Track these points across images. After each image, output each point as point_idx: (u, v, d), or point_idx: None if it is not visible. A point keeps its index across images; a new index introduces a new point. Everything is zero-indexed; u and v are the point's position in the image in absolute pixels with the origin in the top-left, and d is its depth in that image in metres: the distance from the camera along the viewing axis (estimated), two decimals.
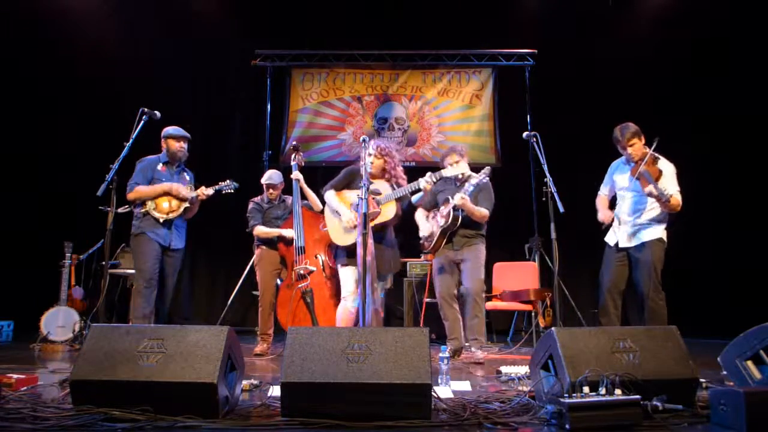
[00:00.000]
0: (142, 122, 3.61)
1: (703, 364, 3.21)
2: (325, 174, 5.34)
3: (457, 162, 4.07)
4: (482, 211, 4.08)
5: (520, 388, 2.93)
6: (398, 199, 3.69)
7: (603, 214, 4.06)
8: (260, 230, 4.61)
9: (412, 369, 2.14)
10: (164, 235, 4.06)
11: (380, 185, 3.73)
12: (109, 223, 3.41)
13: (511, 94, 7.12)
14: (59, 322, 5.07)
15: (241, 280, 5.87)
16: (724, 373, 2.59)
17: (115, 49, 6.47)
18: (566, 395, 2.09)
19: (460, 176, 4.08)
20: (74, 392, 2.16)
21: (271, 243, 4.61)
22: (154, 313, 3.97)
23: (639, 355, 2.30)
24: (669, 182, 3.77)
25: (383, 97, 7.33)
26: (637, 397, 2.06)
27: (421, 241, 4.34)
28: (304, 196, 4.63)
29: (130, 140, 3.59)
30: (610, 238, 3.99)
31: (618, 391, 2.06)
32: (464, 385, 2.97)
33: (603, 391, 2.07)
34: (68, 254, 5.35)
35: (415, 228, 4.41)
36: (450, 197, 4.05)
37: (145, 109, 3.70)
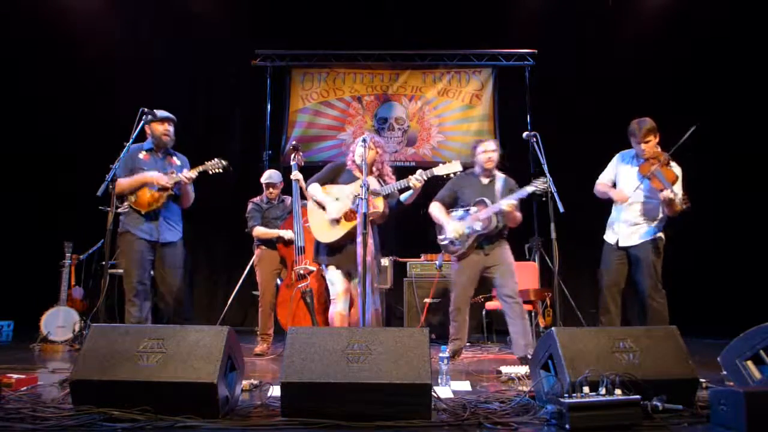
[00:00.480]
0: (142, 122, 3.60)
1: (703, 364, 3.21)
2: None
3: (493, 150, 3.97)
4: (520, 217, 3.92)
5: (520, 388, 2.93)
6: (386, 196, 3.55)
7: (617, 194, 3.91)
8: (259, 231, 4.61)
9: (412, 369, 2.14)
10: (150, 230, 3.75)
11: (371, 183, 3.54)
12: (109, 223, 3.38)
13: (511, 94, 7.12)
14: (59, 322, 5.07)
15: (241, 280, 5.87)
16: (724, 373, 2.59)
17: (115, 49, 6.46)
18: (566, 395, 2.09)
19: (484, 175, 3.97)
20: (74, 392, 2.16)
21: (270, 243, 4.61)
22: (149, 318, 3.75)
23: (639, 355, 2.31)
24: (680, 187, 3.74)
25: (383, 97, 7.33)
26: (637, 397, 2.06)
27: (444, 242, 4.05)
28: (304, 196, 4.62)
29: (130, 140, 3.58)
30: (610, 237, 3.96)
31: (618, 391, 2.07)
32: (464, 385, 2.97)
33: (603, 391, 2.07)
34: (68, 254, 5.35)
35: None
36: (487, 200, 3.87)
37: (145, 109, 3.67)
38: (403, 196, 3.67)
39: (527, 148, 6.17)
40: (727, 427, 2.01)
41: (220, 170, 3.80)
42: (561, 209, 3.24)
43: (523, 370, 3.20)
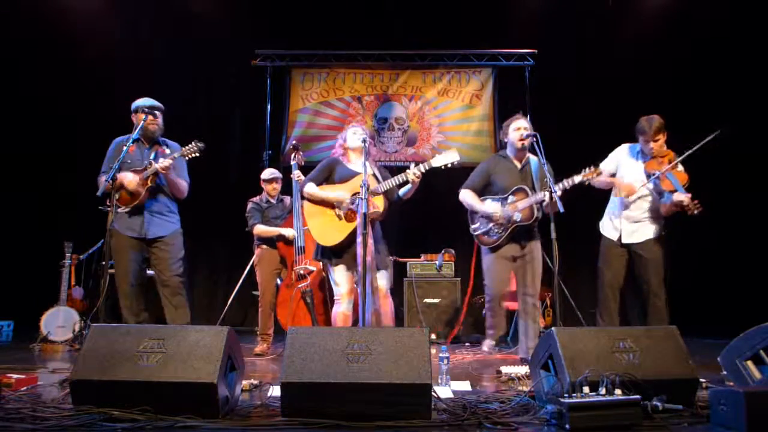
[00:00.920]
0: (142, 122, 3.60)
1: (703, 364, 3.21)
2: None
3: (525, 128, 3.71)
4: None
5: (520, 388, 2.93)
6: (385, 193, 3.49)
7: (625, 187, 3.80)
8: (260, 229, 4.60)
9: (412, 369, 2.14)
10: (135, 226, 3.63)
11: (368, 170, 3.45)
12: (109, 223, 3.38)
13: (511, 94, 7.11)
14: (59, 322, 5.07)
15: (241, 280, 5.86)
16: (724, 373, 2.59)
17: (115, 49, 6.46)
18: (566, 395, 2.09)
19: (517, 157, 3.79)
20: (74, 392, 2.17)
21: (271, 242, 4.61)
22: (145, 320, 3.68)
23: (639, 355, 2.31)
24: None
25: (383, 97, 7.33)
26: (637, 397, 2.07)
27: (476, 232, 3.85)
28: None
29: (130, 140, 3.58)
30: (611, 233, 3.92)
31: (618, 391, 2.07)
32: (464, 385, 2.97)
33: (603, 391, 2.08)
34: (68, 254, 5.35)
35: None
36: (526, 188, 3.67)
37: (146, 109, 3.68)
38: (401, 191, 3.61)
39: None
40: (727, 427, 2.01)
41: (197, 153, 3.65)
42: (561, 209, 3.24)
43: (523, 370, 3.20)
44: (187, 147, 3.64)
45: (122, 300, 3.65)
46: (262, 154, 6.86)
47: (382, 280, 3.49)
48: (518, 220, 3.65)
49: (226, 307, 5.93)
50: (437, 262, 5.77)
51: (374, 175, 3.55)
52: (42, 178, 6.41)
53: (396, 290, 5.78)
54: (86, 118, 6.39)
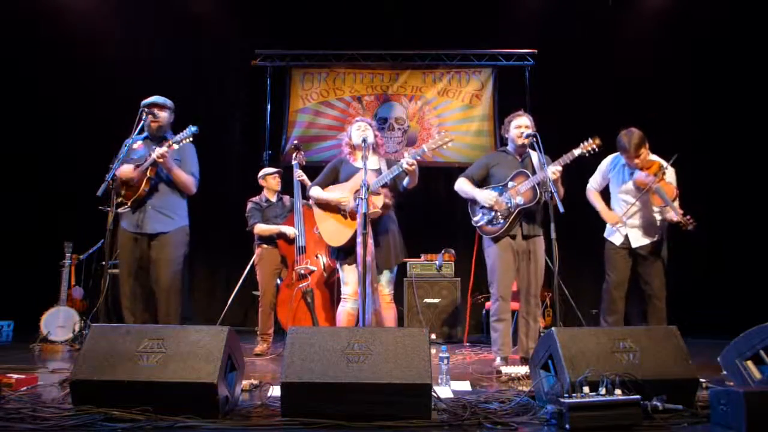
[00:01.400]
0: (142, 122, 3.60)
1: (703, 364, 3.21)
2: None
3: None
4: (563, 190, 3.59)
5: (520, 388, 2.93)
6: (386, 188, 3.45)
7: (608, 216, 3.90)
8: (260, 228, 4.60)
9: (412, 369, 2.14)
10: (136, 221, 3.56)
11: (372, 162, 3.45)
12: (109, 223, 3.38)
13: (511, 94, 7.11)
14: (59, 322, 5.07)
15: (241, 280, 5.87)
16: (724, 373, 2.59)
17: (115, 49, 6.46)
18: (566, 395, 2.09)
19: (518, 152, 3.71)
20: (74, 392, 2.17)
21: (271, 242, 4.61)
22: (146, 322, 3.55)
23: (639, 355, 2.31)
24: (676, 201, 3.75)
25: (383, 97, 7.33)
26: (637, 397, 2.07)
27: (479, 223, 3.71)
28: (305, 196, 4.60)
29: (131, 140, 3.58)
30: (615, 237, 3.93)
31: (618, 391, 2.07)
32: (464, 385, 2.97)
33: (603, 391, 2.08)
34: (68, 254, 5.35)
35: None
36: (527, 171, 3.58)
37: (146, 109, 3.68)
38: (405, 182, 3.55)
39: None
40: (727, 427, 2.01)
41: (190, 139, 3.56)
42: (561, 209, 3.23)
43: (523, 370, 3.20)
44: (180, 135, 3.56)
45: (123, 300, 3.62)
46: (262, 154, 6.87)
47: (386, 287, 3.46)
48: (521, 203, 3.55)
49: (226, 307, 5.94)
50: (437, 262, 5.77)
51: (379, 170, 3.52)
52: (42, 178, 6.41)
53: (396, 290, 5.78)
54: (86, 118, 6.39)
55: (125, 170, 3.55)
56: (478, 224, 3.74)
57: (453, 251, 5.90)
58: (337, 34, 7.03)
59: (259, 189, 4.87)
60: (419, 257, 5.87)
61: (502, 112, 7.08)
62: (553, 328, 2.38)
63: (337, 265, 3.59)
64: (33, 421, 2.07)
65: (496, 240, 3.65)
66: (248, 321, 6.51)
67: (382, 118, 7.25)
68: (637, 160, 3.77)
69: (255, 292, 4.99)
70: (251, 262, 5.10)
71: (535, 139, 3.55)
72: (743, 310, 4.73)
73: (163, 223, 3.62)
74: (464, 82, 7.31)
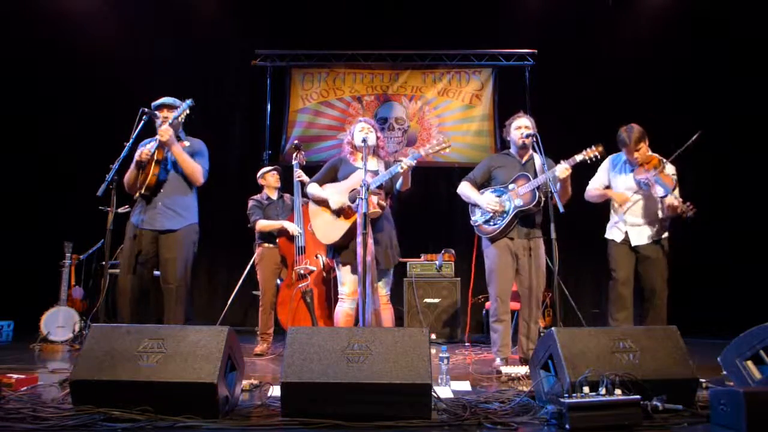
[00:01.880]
0: (142, 122, 3.59)
1: (703, 364, 3.21)
2: None
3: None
4: (571, 190, 3.61)
5: (520, 388, 2.93)
6: (381, 188, 3.45)
7: (618, 196, 3.86)
8: (262, 224, 4.59)
9: (412, 369, 2.14)
10: (144, 216, 3.54)
11: (371, 164, 3.44)
12: (109, 223, 3.38)
13: (511, 94, 7.12)
14: (59, 322, 5.07)
15: (241, 280, 5.87)
16: (724, 373, 2.59)
17: (115, 49, 6.46)
18: (566, 395, 2.09)
19: (520, 154, 3.72)
20: (74, 392, 2.17)
21: (272, 240, 4.61)
22: (140, 316, 3.51)
23: (639, 355, 2.31)
24: (676, 191, 3.76)
25: (383, 97, 7.33)
26: (637, 397, 2.07)
27: (476, 222, 3.72)
28: (305, 194, 4.59)
29: (131, 140, 3.58)
30: (616, 235, 3.92)
31: (618, 391, 2.07)
32: (464, 385, 2.97)
33: (603, 391, 2.08)
34: (68, 254, 5.35)
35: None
36: (528, 174, 3.57)
37: (145, 109, 3.66)
38: (398, 185, 3.56)
39: None
40: (727, 427, 2.01)
41: (188, 111, 3.54)
42: (561, 209, 3.23)
43: (523, 370, 3.20)
44: (176, 111, 3.56)
45: (119, 297, 3.52)
46: (262, 154, 6.87)
47: (383, 287, 3.45)
48: (519, 205, 3.54)
49: (226, 307, 5.94)
50: (437, 262, 5.77)
51: (374, 172, 3.51)
52: (42, 178, 6.41)
53: (396, 290, 5.79)
54: (86, 118, 6.40)
55: (145, 149, 3.55)
56: (476, 224, 3.74)
57: (453, 251, 5.90)
58: (337, 34, 7.03)
59: (259, 189, 4.87)
60: (419, 257, 5.87)
61: (502, 112, 7.11)
62: (553, 328, 2.37)
63: (336, 265, 3.57)
64: (33, 421, 2.07)
65: (493, 240, 3.64)
66: (248, 321, 6.51)
67: (382, 118, 7.25)
68: (636, 154, 3.77)
69: (255, 292, 4.99)
70: (251, 262, 5.10)
71: (534, 139, 3.55)
72: (743, 310, 4.72)
73: (173, 220, 3.58)
74: (464, 82, 7.31)
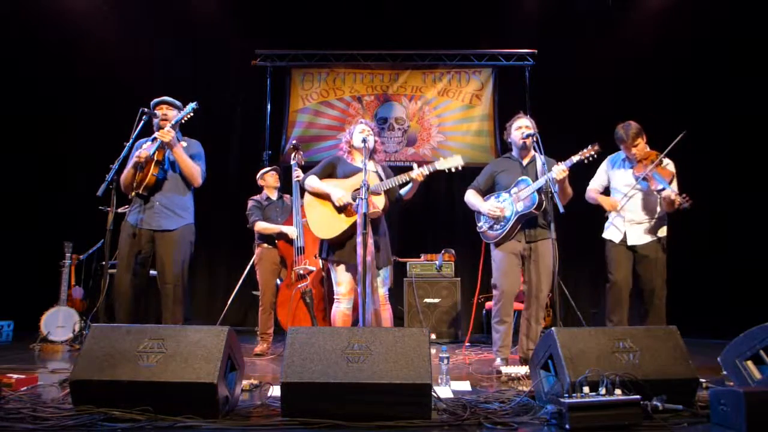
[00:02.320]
0: (142, 122, 3.60)
1: (703, 364, 3.21)
2: None
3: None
4: (571, 190, 3.62)
5: (520, 388, 2.93)
6: (386, 192, 3.47)
7: (608, 202, 3.92)
8: (261, 226, 4.60)
9: (412, 369, 2.14)
10: (141, 215, 3.52)
11: (369, 165, 3.42)
12: (109, 223, 3.37)
13: (511, 94, 7.12)
14: (59, 322, 5.07)
15: (241, 280, 5.87)
16: (724, 373, 2.59)
17: (115, 49, 6.46)
18: (566, 395, 2.09)
19: (522, 155, 3.72)
20: (74, 392, 2.17)
21: (271, 241, 4.61)
22: (138, 317, 3.50)
23: (639, 355, 2.31)
24: (674, 185, 3.77)
25: (383, 97, 7.33)
26: (637, 397, 2.06)
27: (482, 228, 3.76)
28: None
29: (130, 140, 3.58)
30: (614, 235, 3.92)
31: (618, 391, 2.07)
32: (464, 385, 2.97)
33: (603, 391, 2.08)
34: (68, 254, 5.35)
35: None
36: (528, 179, 3.57)
37: (145, 110, 3.66)
38: (403, 191, 3.60)
39: None
40: (727, 427, 2.01)
41: (192, 113, 3.58)
42: (561, 209, 3.24)
43: (523, 370, 3.21)
44: (181, 113, 3.58)
45: (116, 296, 3.50)
46: (262, 154, 6.87)
47: (381, 286, 3.44)
48: (520, 209, 3.55)
49: (226, 307, 5.94)
50: (437, 262, 5.77)
51: (377, 173, 3.54)
52: (42, 178, 6.41)
53: (396, 290, 5.79)
54: (86, 118, 6.40)
55: (141, 153, 3.53)
56: (481, 230, 3.78)
57: (453, 251, 5.90)
58: (337, 34, 7.03)
59: (259, 190, 4.87)
60: (419, 257, 5.87)
61: (502, 112, 7.11)
62: (553, 328, 2.37)
63: (331, 266, 3.50)
64: (33, 421, 2.07)
65: (497, 245, 3.67)
66: (248, 321, 6.51)
67: (382, 118, 7.25)
68: (634, 150, 3.80)
69: (255, 292, 4.99)
70: (251, 262, 5.11)
71: (535, 140, 3.55)
72: (743, 310, 4.73)
73: (170, 220, 3.58)
74: (464, 82, 7.31)
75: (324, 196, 3.48)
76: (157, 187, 3.60)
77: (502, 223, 3.62)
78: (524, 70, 7.11)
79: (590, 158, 3.49)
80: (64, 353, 4.66)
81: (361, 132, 3.58)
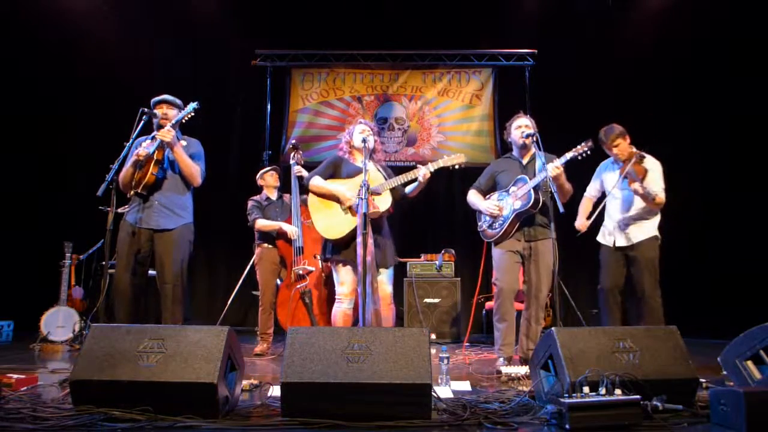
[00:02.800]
0: (142, 122, 3.59)
1: (703, 364, 3.21)
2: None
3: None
4: (569, 186, 3.60)
5: (520, 388, 2.93)
6: (391, 190, 3.48)
7: (580, 221, 4.08)
8: (261, 223, 4.59)
9: (412, 369, 2.14)
10: (140, 214, 3.51)
11: (368, 166, 3.40)
12: (109, 223, 3.37)
13: (511, 94, 7.12)
14: (59, 322, 5.07)
15: (241, 280, 5.87)
16: (724, 373, 2.59)
17: (115, 49, 6.46)
18: (566, 395, 2.09)
19: (522, 154, 3.73)
20: (74, 392, 2.17)
21: (271, 240, 4.61)
22: (138, 316, 3.47)
23: (639, 355, 2.31)
24: (655, 180, 3.82)
25: (383, 97, 7.33)
26: (637, 397, 2.07)
27: (481, 228, 3.78)
28: (303, 193, 4.57)
29: (130, 140, 3.58)
30: (606, 239, 4.00)
31: (618, 391, 2.07)
32: (464, 385, 2.97)
33: (603, 391, 2.08)
34: (68, 254, 5.35)
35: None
36: (526, 177, 3.58)
37: (145, 110, 3.66)
38: (408, 189, 3.62)
39: None
40: (727, 427, 2.01)
41: (193, 114, 3.56)
42: (561, 209, 3.24)
43: (523, 370, 3.21)
44: (181, 112, 3.57)
45: (116, 295, 3.47)
46: (262, 154, 6.87)
47: (386, 285, 3.44)
48: (517, 207, 3.55)
49: (226, 307, 5.94)
50: (437, 262, 5.77)
51: (380, 171, 3.55)
52: (42, 178, 6.41)
53: (396, 290, 5.79)
54: (86, 118, 6.40)
55: (141, 151, 3.50)
56: (481, 229, 3.80)
57: (453, 251, 5.90)
58: (337, 34, 7.03)
59: (259, 190, 4.87)
60: (419, 257, 5.87)
61: (502, 112, 7.11)
62: (553, 328, 2.37)
63: (333, 265, 3.51)
64: (33, 421, 2.07)
65: (496, 243, 3.69)
66: (248, 321, 6.51)
67: (382, 118, 7.25)
68: (615, 150, 3.88)
69: (255, 292, 4.99)
70: (251, 262, 5.11)
71: (535, 139, 3.56)
72: (743, 310, 4.72)
73: (169, 219, 3.56)
74: (464, 82, 7.31)
75: (330, 197, 3.49)
76: (156, 187, 3.58)
77: (500, 221, 3.64)
78: (524, 70, 7.11)
79: (584, 155, 3.48)
80: (64, 353, 4.66)
81: (361, 132, 3.59)
